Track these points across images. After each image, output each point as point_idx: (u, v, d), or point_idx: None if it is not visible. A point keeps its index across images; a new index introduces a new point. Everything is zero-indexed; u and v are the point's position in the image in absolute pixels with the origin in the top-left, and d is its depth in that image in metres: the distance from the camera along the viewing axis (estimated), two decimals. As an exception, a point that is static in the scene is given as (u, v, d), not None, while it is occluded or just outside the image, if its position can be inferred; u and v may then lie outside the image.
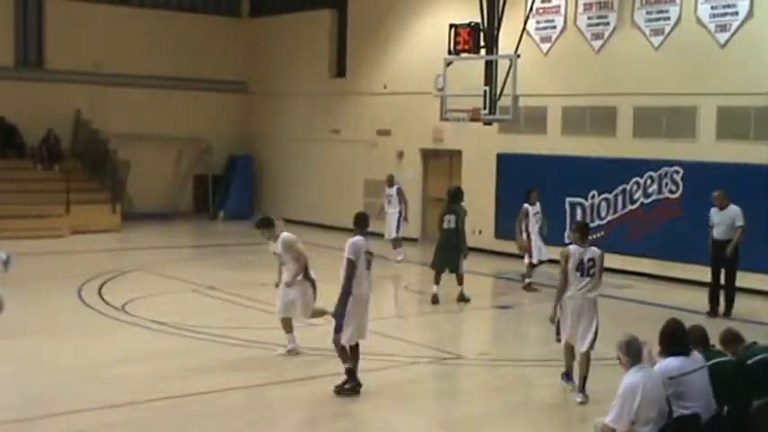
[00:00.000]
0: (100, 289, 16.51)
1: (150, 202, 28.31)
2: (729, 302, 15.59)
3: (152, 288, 17.00)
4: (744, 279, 16.13)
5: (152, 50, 28.32)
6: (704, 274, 16.31)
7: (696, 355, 7.50)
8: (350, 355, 10.44)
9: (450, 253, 16.24)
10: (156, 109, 28.30)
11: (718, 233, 15.53)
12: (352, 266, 10.22)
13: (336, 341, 10.35)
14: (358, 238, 10.43)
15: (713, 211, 15.67)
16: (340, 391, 10.35)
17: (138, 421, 9.38)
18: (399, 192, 20.87)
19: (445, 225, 16.21)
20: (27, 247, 20.74)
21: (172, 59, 28.61)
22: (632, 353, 7.13)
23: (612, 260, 19.97)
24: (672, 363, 7.32)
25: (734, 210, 15.42)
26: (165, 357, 11.95)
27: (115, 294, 15.95)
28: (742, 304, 15.64)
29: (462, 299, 16.19)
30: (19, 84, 26.40)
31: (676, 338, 7.49)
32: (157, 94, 28.42)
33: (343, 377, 10.41)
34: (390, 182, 21.12)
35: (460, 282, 16.24)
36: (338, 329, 10.29)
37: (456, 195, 16.49)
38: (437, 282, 16.22)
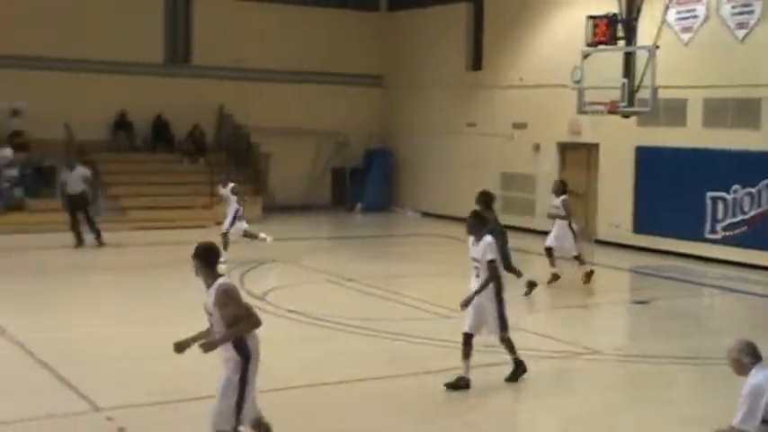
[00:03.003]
0: (242, 278, 17.09)
1: (290, 195, 28.91)
2: None
3: (292, 278, 17.47)
4: None
5: (291, 46, 28.95)
6: None
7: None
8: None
9: None
10: (296, 103, 28.90)
11: None
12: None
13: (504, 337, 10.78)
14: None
15: None
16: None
17: (276, 408, 9.70)
18: (234, 191, 19.78)
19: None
20: (173, 238, 21.62)
21: (310, 54, 29.17)
22: (753, 354, 7.09)
23: (757, 257, 19.61)
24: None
25: None
26: (305, 346, 12.35)
27: (256, 284, 16.48)
28: None
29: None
30: (168, 80, 27.44)
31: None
32: (296, 89, 29.04)
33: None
34: (224, 183, 20.10)
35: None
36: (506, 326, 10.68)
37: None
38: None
